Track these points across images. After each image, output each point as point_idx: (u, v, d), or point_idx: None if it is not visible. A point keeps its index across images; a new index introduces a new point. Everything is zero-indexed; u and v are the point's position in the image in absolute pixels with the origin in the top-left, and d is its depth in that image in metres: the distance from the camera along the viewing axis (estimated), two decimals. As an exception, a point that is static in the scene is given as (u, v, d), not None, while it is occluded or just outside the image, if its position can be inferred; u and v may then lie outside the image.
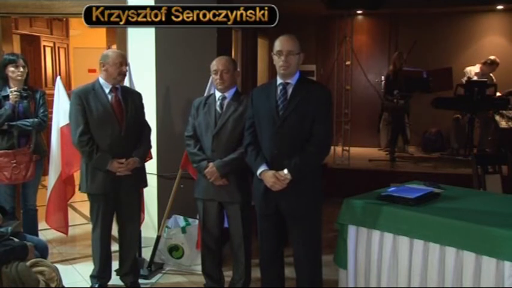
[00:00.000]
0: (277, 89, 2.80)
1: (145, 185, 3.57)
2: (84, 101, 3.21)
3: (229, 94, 3.20)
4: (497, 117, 6.62)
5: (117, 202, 3.35)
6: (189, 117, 3.32)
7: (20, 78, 3.75)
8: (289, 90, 2.78)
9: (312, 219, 2.84)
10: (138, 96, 3.46)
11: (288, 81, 2.79)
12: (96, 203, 3.32)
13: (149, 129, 3.47)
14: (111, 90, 3.27)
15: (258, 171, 2.79)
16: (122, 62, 3.26)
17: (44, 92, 3.96)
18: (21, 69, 3.75)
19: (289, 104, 2.75)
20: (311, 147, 2.73)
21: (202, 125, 3.21)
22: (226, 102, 3.19)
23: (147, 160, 3.88)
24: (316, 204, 2.86)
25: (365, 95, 7.98)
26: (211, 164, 3.12)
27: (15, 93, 3.65)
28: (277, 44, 2.76)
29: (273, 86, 2.85)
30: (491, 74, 6.91)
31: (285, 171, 2.71)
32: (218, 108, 3.20)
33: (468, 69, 7.04)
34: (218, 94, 3.22)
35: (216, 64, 3.18)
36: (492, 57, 6.91)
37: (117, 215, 3.43)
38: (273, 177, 2.72)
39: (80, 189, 3.38)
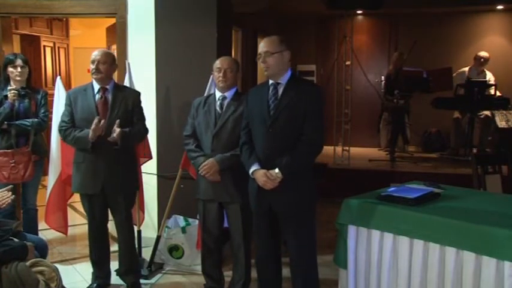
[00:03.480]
0: (269, 89, 2.83)
1: (136, 189, 3.57)
2: (73, 101, 3.29)
3: (229, 94, 3.20)
4: (497, 118, 6.61)
5: (105, 203, 3.35)
6: (188, 117, 3.32)
7: (18, 78, 3.75)
8: (280, 90, 2.80)
9: (305, 218, 2.84)
10: (134, 95, 3.39)
11: (279, 81, 2.81)
12: (81, 201, 3.40)
13: (143, 125, 3.39)
14: (99, 91, 3.28)
15: (251, 170, 2.81)
16: (94, 60, 3.24)
17: (46, 92, 3.96)
18: (19, 69, 3.74)
19: (279, 103, 2.77)
20: (302, 145, 2.73)
21: (202, 125, 3.21)
22: (226, 102, 3.19)
23: (146, 160, 3.89)
24: (309, 202, 2.85)
25: (365, 95, 7.99)
26: (211, 159, 3.11)
27: (13, 91, 3.65)
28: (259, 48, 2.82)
29: (265, 86, 2.88)
30: (489, 74, 6.90)
31: (276, 170, 2.72)
32: (218, 108, 3.19)
33: (461, 70, 7.04)
34: (218, 94, 3.22)
35: (220, 63, 3.18)
36: (481, 52, 6.88)
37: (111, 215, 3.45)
38: (264, 176, 2.74)
39: None
